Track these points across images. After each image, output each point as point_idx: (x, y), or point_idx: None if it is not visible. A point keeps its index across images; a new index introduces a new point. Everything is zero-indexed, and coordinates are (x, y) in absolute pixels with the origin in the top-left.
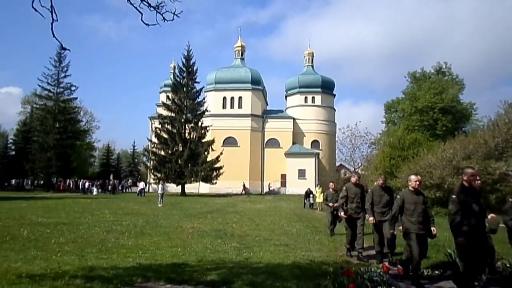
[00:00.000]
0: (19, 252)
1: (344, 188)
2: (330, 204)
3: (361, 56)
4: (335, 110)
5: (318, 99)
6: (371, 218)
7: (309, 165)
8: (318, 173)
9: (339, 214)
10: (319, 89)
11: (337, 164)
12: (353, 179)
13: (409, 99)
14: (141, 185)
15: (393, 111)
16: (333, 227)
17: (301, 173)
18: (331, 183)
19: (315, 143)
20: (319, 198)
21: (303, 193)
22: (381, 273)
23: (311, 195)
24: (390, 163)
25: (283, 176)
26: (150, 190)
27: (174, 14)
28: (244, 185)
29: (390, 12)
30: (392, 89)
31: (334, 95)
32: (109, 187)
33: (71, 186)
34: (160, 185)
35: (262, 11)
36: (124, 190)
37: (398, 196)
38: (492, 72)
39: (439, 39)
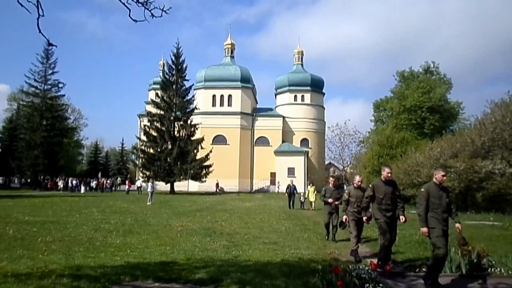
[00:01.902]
0: (5, 251)
1: (370, 186)
2: (330, 201)
3: (350, 54)
4: (324, 108)
5: (307, 97)
6: (425, 229)
7: (298, 163)
8: (307, 171)
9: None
10: (309, 88)
11: (326, 162)
12: (384, 173)
13: (397, 98)
14: (138, 183)
15: (381, 110)
16: (335, 231)
17: (291, 171)
18: (331, 178)
19: (304, 142)
20: (312, 198)
21: (287, 190)
22: (369, 270)
23: (301, 194)
24: (379, 161)
25: (273, 175)
26: (137, 185)
27: (162, 10)
28: (217, 184)
29: (379, 10)
30: (381, 87)
31: (324, 94)
32: (94, 185)
33: (59, 185)
34: (150, 183)
35: (250, 9)
36: (112, 189)
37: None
38: (479, 72)
39: (427, 38)
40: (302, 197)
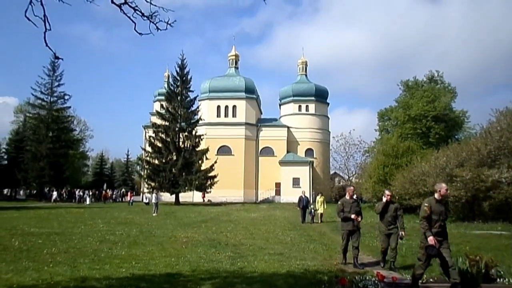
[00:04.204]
0: (10, 263)
1: None
2: (353, 216)
3: (353, 63)
4: (328, 118)
5: (312, 107)
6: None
7: (303, 173)
8: (312, 181)
9: (433, 242)
10: (313, 98)
11: (331, 172)
12: None
13: (402, 107)
14: (149, 197)
15: (386, 119)
16: (357, 254)
17: (296, 182)
18: (351, 187)
19: (309, 152)
20: (321, 209)
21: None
22: (376, 281)
23: (312, 206)
24: (384, 171)
25: (278, 185)
26: (145, 200)
27: (167, 23)
28: (203, 194)
29: (380, 18)
30: (385, 96)
31: (328, 104)
32: (86, 195)
33: (64, 196)
34: (154, 195)
35: (251, 20)
36: (118, 200)
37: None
38: (482, 79)
39: (429, 46)
40: (312, 210)
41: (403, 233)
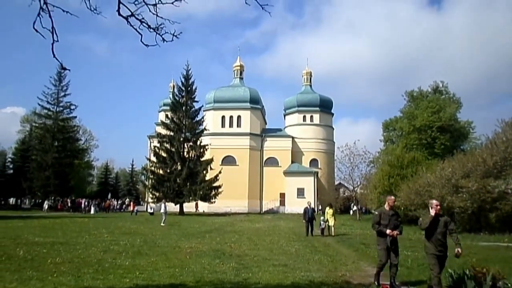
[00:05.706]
0: (15, 272)
1: None
2: (388, 232)
3: (357, 73)
4: (333, 128)
5: (316, 118)
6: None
7: (308, 184)
8: (317, 192)
9: None
10: (318, 108)
11: (336, 182)
12: None
13: (407, 118)
14: (153, 206)
15: (391, 129)
16: (394, 272)
17: (300, 192)
18: (391, 197)
19: (314, 162)
20: (331, 221)
21: (303, 212)
22: None
23: (322, 218)
24: (389, 182)
25: (282, 195)
26: (149, 210)
27: (173, 35)
28: (196, 204)
29: (384, 29)
30: (390, 106)
31: (332, 114)
32: (100, 205)
33: (68, 205)
34: (163, 204)
35: (256, 31)
36: (122, 209)
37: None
38: (488, 89)
39: (434, 56)
40: (322, 222)
41: (459, 249)
